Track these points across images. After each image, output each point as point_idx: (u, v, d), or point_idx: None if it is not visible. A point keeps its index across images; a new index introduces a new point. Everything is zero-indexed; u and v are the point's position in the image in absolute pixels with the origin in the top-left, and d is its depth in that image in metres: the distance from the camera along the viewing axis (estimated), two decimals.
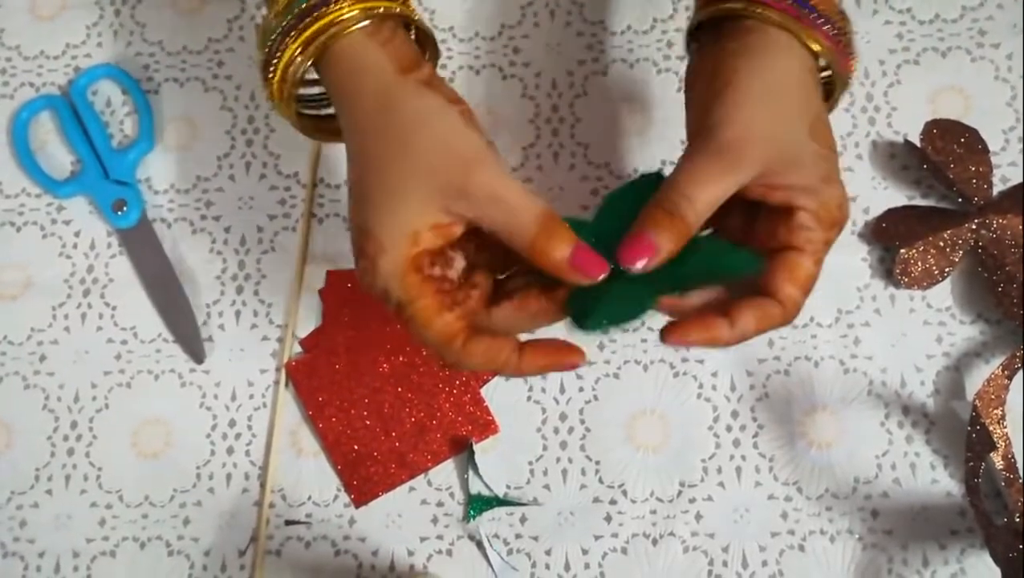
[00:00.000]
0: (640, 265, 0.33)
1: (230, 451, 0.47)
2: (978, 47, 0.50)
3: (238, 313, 0.49)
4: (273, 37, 0.36)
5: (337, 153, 0.51)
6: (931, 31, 0.51)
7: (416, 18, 0.37)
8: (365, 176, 0.34)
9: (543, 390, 0.47)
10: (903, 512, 0.44)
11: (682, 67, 0.51)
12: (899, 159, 0.49)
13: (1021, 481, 0.42)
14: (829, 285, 0.47)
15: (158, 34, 0.54)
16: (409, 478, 0.46)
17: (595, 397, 0.47)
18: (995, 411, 0.43)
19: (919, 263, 0.47)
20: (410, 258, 0.33)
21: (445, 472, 0.46)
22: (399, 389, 0.47)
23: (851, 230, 0.48)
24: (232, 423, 0.48)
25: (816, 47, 0.35)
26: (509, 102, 0.51)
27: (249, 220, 0.51)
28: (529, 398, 0.47)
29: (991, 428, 0.42)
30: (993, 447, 0.42)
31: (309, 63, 0.35)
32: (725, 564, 0.44)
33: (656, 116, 0.50)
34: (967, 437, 0.42)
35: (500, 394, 0.47)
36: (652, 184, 0.35)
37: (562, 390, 0.47)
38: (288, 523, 0.46)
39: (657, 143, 0.50)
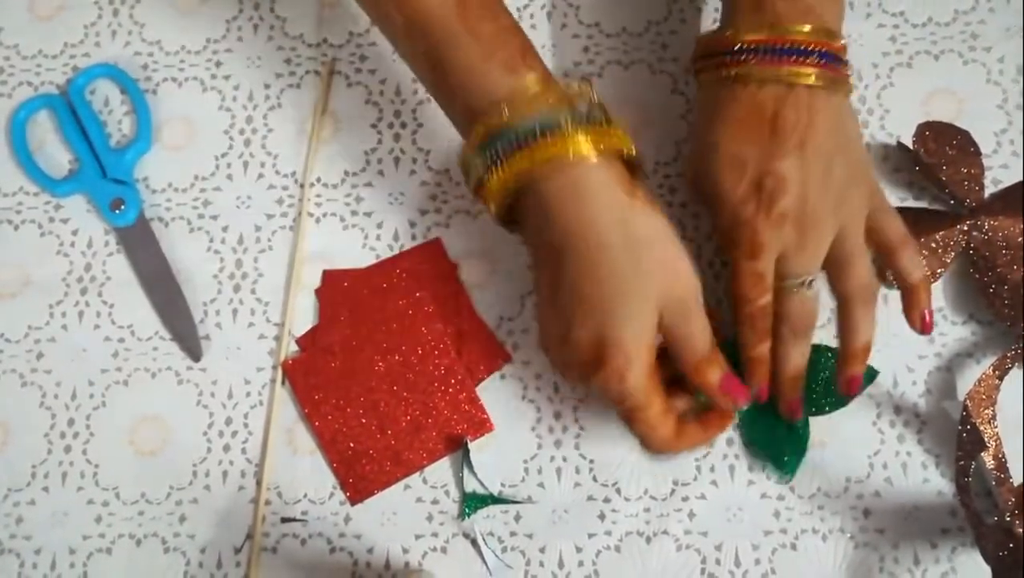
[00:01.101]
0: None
1: (226, 449, 0.47)
2: (970, 50, 0.50)
3: (235, 312, 0.49)
4: (503, 146, 0.38)
5: (334, 152, 0.51)
6: (924, 34, 0.51)
7: (636, 155, 0.40)
8: (600, 290, 0.38)
9: (538, 389, 0.47)
10: (894, 511, 0.45)
11: (675, 68, 0.51)
12: (892, 161, 0.49)
13: (1011, 480, 0.42)
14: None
15: (156, 34, 0.54)
16: (404, 476, 0.46)
17: (590, 395, 0.47)
18: (986, 411, 0.43)
19: None
20: (649, 366, 0.39)
21: (440, 470, 0.47)
22: (394, 387, 0.47)
23: None
24: (228, 421, 0.48)
25: (808, 80, 0.40)
26: None
27: (247, 219, 0.51)
28: (523, 397, 0.47)
29: (982, 428, 0.43)
30: (984, 447, 0.42)
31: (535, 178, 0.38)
32: (718, 562, 0.45)
33: (651, 117, 0.51)
34: (958, 437, 0.43)
35: (494, 393, 0.47)
36: None
37: (556, 389, 0.47)
38: (284, 520, 0.46)
39: (652, 145, 0.50)
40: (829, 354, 0.45)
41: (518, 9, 0.53)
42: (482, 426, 0.47)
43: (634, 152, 0.40)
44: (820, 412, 0.45)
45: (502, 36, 0.39)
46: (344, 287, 0.49)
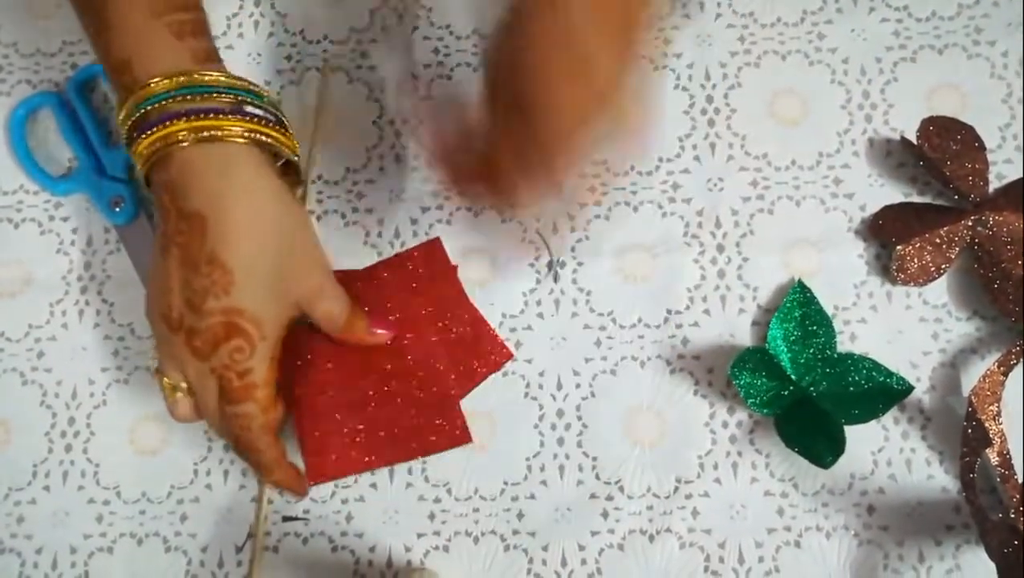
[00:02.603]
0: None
1: (227, 447, 0.47)
2: (974, 44, 0.50)
3: None
4: (157, 104, 0.39)
5: (335, 149, 0.51)
6: (928, 28, 0.51)
7: (295, 158, 0.43)
8: (247, 263, 0.39)
9: (540, 387, 0.47)
10: (899, 508, 0.45)
11: (677, 64, 0.51)
12: (896, 156, 0.49)
13: (1016, 477, 0.42)
14: (825, 281, 0.47)
15: None
16: (367, 469, 0.45)
17: (592, 394, 0.47)
18: (991, 407, 0.43)
19: (915, 260, 0.47)
20: (275, 350, 0.41)
21: (442, 468, 0.46)
22: (380, 384, 0.46)
23: (848, 227, 0.48)
24: None
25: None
26: None
27: None
28: (527, 395, 0.47)
29: (987, 424, 0.42)
30: (989, 443, 0.42)
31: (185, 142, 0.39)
32: (721, 560, 0.44)
33: (651, 114, 0.51)
34: (963, 433, 0.43)
35: (497, 390, 0.47)
36: (800, 290, 0.46)
37: (559, 387, 0.47)
38: (285, 519, 0.46)
39: (652, 140, 0.50)
40: (866, 364, 0.45)
41: None
42: (456, 439, 0.45)
43: (295, 158, 0.43)
44: (852, 421, 0.44)
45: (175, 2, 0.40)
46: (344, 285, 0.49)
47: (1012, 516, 0.41)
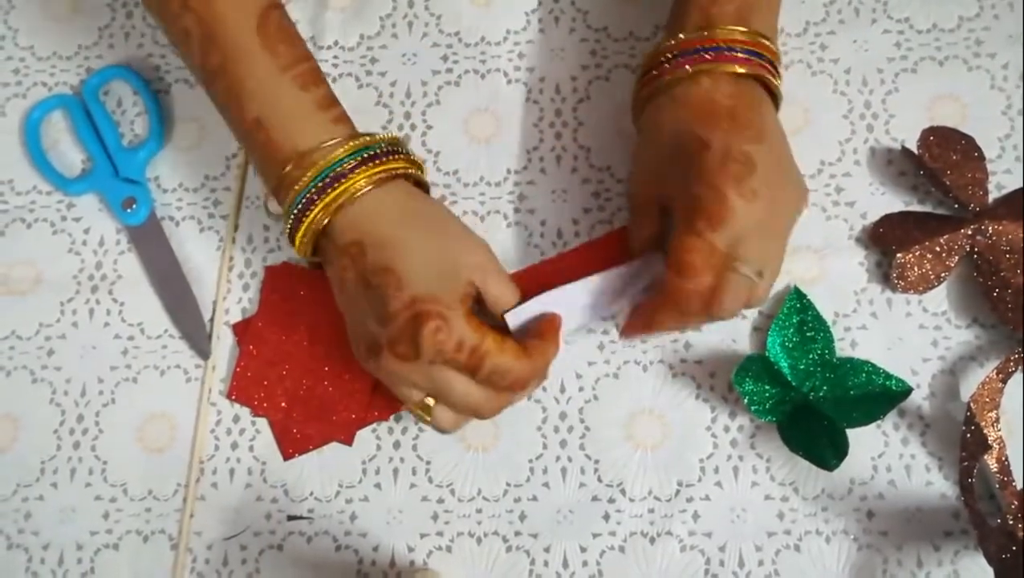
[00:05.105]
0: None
1: (234, 446, 0.48)
2: (975, 56, 0.51)
3: (244, 310, 0.50)
4: (301, 201, 0.41)
5: None
6: (929, 40, 0.51)
7: (420, 175, 0.44)
8: (407, 259, 0.40)
9: (544, 389, 0.48)
10: (898, 513, 0.45)
11: None
12: (896, 165, 0.50)
13: (1014, 483, 0.43)
14: (826, 288, 0.48)
15: None
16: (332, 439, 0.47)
17: (595, 397, 0.47)
18: (990, 414, 0.43)
19: (916, 268, 0.47)
20: (468, 315, 0.40)
21: (446, 469, 0.47)
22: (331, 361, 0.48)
23: (849, 235, 0.49)
24: (236, 419, 0.48)
25: (740, 69, 0.41)
26: (513, 106, 0.52)
27: (256, 219, 0.51)
28: (529, 397, 0.48)
29: (986, 430, 0.43)
30: (987, 449, 0.42)
31: (326, 220, 0.41)
32: (722, 563, 0.45)
33: None
34: (962, 439, 0.43)
35: None
36: (797, 297, 0.47)
37: (562, 389, 0.48)
38: (290, 518, 0.47)
39: None
40: (865, 367, 0.45)
41: (527, 13, 0.54)
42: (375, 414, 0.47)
43: (421, 174, 0.44)
44: (853, 424, 0.44)
45: (296, 55, 0.42)
46: (288, 281, 0.50)
47: (1010, 522, 0.41)
